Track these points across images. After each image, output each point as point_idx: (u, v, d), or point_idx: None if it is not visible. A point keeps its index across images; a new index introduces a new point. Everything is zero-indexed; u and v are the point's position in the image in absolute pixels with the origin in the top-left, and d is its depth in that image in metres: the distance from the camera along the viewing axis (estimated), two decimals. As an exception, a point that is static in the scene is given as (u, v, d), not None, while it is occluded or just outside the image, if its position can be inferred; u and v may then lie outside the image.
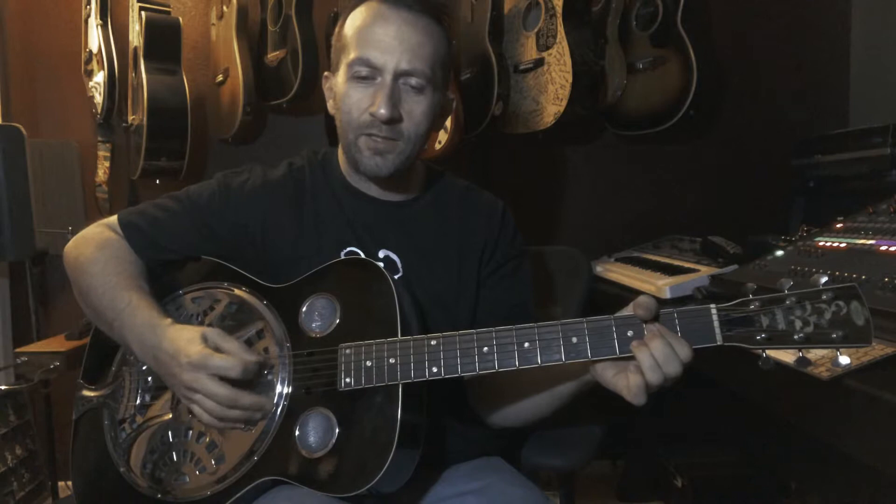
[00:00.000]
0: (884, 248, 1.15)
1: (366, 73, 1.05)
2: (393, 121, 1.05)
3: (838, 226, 1.34)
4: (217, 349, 0.97)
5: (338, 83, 1.10)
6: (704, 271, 1.55)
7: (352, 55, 1.06)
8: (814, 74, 2.32)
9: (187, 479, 1.03)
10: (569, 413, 1.11)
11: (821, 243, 1.30)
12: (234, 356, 0.96)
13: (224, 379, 0.95)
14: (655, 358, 0.84)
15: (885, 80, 2.17)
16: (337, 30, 1.12)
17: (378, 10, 1.06)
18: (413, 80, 1.05)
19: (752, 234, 1.70)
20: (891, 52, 2.15)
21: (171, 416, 1.07)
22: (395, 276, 1.08)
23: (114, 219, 1.17)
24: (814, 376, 0.93)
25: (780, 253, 1.36)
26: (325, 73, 1.16)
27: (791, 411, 1.08)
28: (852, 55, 2.32)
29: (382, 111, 1.03)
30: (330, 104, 1.15)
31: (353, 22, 1.08)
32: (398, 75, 1.04)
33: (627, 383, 0.86)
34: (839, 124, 2.25)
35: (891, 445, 0.84)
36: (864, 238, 1.22)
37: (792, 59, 2.32)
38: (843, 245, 1.25)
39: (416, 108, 1.06)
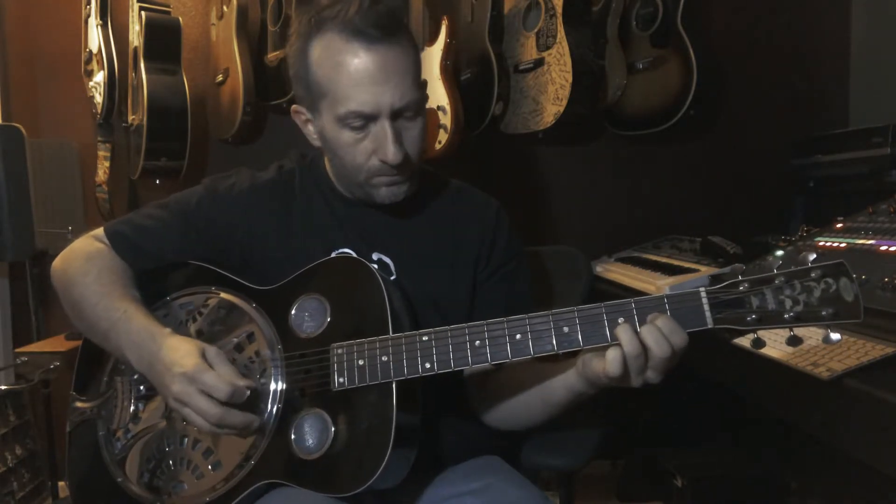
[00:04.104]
0: (884, 248, 1.15)
1: (360, 124, 1.02)
2: (406, 160, 1.03)
3: (838, 226, 1.34)
4: (212, 367, 0.96)
5: (325, 128, 1.05)
6: (704, 271, 1.55)
7: (339, 109, 1.01)
8: (814, 74, 2.32)
9: (185, 487, 1.03)
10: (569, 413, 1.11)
11: (821, 243, 1.30)
12: (226, 377, 0.95)
13: (212, 397, 0.94)
14: (641, 337, 0.85)
15: (885, 80, 2.17)
16: (297, 67, 1.05)
17: (350, 54, 0.99)
18: (408, 113, 1.02)
19: (752, 234, 1.70)
20: (891, 52, 2.15)
21: (165, 423, 1.07)
22: (390, 278, 1.08)
23: (100, 230, 1.16)
24: (814, 376, 0.93)
25: (779, 253, 1.36)
26: (295, 107, 1.11)
27: (791, 411, 1.08)
28: (852, 55, 2.32)
29: (395, 158, 1.01)
30: (313, 139, 1.11)
31: (322, 69, 1.02)
32: (394, 114, 1.01)
33: (604, 359, 0.86)
34: (839, 124, 2.25)
35: (891, 445, 0.84)
36: (864, 238, 1.22)
37: (792, 58, 2.32)
38: (843, 245, 1.25)
39: (413, 135, 1.05)
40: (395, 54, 1.00)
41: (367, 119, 1.02)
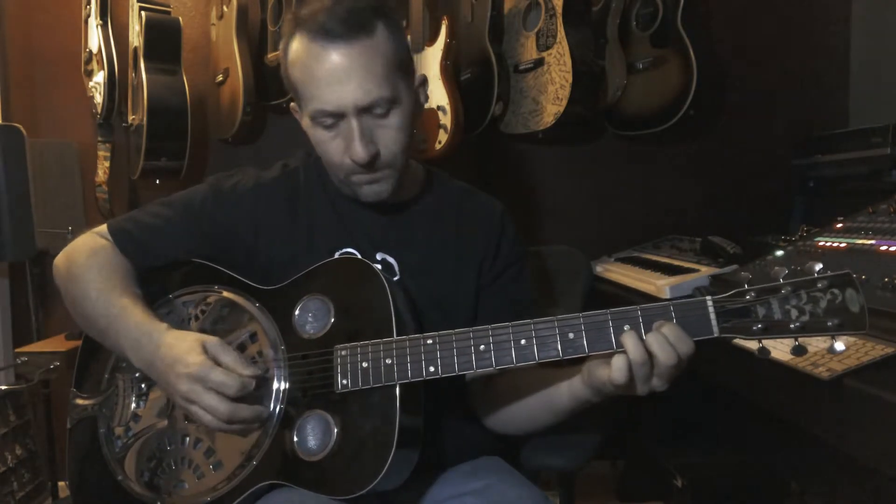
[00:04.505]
0: (884, 248, 1.15)
1: (331, 122, 1.03)
2: (373, 158, 1.03)
3: (838, 226, 1.34)
4: (216, 360, 0.96)
5: (307, 126, 1.08)
6: (704, 271, 1.55)
7: (309, 107, 1.03)
8: (814, 74, 2.32)
9: (186, 486, 1.03)
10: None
11: (821, 243, 1.30)
12: (232, 370, 0.95)
13: (221, 394, 0.94)
14: (647, 344, 0.85)
15: (885, 80, 2.17)
16: (282, 66, 1.07)
17: (314, 52, 1.00)
18: (377, 109, 1.01)
19: (752, 234, 1.70)
20: (891, 52, 2.15)
21: (166, 422, 1.07)
22: (393, 279, 1.07)
23: (103, 228, 1.16)
24: (814, 376, 0.93)
25: (780, 253, 1.36)
26: (292, 105, 1.12)
27: (791, 411, 1.08)
28: (852, 55, 2.32)
29: (360, 156, 1.01)
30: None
31: (295, 69, 1.04)
32: (360, 112, 1.01)
33: (610, 366, 0.86)
34: (839, 124, 2.25)
35: (891, 445, 0.84)
36: (864, 238, 1.22)
37: (792, 58, 2.32)
38: (843, 245, 1.25)
39: (388, 132, 1.04)
40: (358, 51, 0.99)
41: (336, 117, 1.02)
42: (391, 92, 1.02)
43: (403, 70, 1.05)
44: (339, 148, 1.04)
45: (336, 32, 0.98)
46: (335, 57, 0.99)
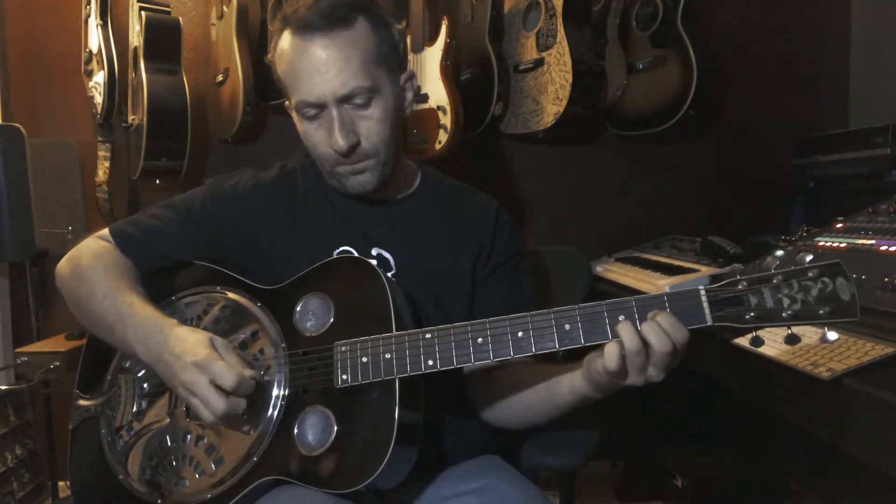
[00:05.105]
0: (884, 248, 1.15)
1: (313, 113, 1.05)
2: (353, 148, 1.05)
3: (838, 226, 1.34)
4: (220, 356, 0.97)
5: (296, 121, 1.10)
6: (704, 271, 1.55)
7: (293, 99, 1.06)
8: (814, 74, 2.32)
9: (187, 483, 1.03)
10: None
11: (821, 243, 1.30)
12: (235, 367, 0.95)
13: (218, 388, 0.94)
14: (642, 333, 0.85)
15: (885, 80, 2.17)
16: (274, 64, 1.10)
17: (295, 45, 1.04)
18: (357, 100, 1.04)
19: (752, 234, 1.70)
20: (891, 52, 2.15)
21: (168, 420, 1.07)
22: (389, 274, 1.08)
23: (105, 231, 1.18)
24: (814, 376, 0.93)
25: (780, 253, 1.36)
26: (287, 103, 1.13)
27: (791, 411, 1.08)
28: (852, 55, 2.32)
29: (339, 144, 1.03)
30: None
31: (281, 63, 1.07)
32: (340, 102, 1.03)
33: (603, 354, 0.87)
34: (839, 124, 2.25)
35: (891, 445, 0.84)
36: (864, 238, 1.22)
37: (792, 58, 2.32)
38: (843, 245, 1.25)
39: (369, 123, 1.06)
40: (337, 43, 1.02)
41: (318, 108, 1.04)
42: (370, 83, 1.04)
43: (386, 63, 1.07)
44: (323, 138, 1.06)
45: (317, 26, 1.02)
46: (315, 49, 1.02)
